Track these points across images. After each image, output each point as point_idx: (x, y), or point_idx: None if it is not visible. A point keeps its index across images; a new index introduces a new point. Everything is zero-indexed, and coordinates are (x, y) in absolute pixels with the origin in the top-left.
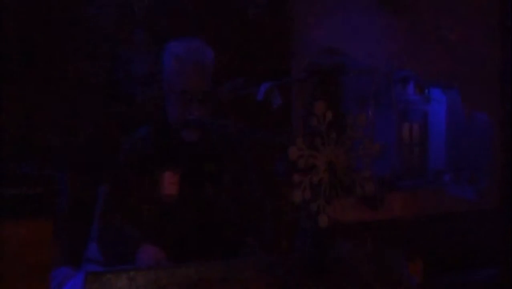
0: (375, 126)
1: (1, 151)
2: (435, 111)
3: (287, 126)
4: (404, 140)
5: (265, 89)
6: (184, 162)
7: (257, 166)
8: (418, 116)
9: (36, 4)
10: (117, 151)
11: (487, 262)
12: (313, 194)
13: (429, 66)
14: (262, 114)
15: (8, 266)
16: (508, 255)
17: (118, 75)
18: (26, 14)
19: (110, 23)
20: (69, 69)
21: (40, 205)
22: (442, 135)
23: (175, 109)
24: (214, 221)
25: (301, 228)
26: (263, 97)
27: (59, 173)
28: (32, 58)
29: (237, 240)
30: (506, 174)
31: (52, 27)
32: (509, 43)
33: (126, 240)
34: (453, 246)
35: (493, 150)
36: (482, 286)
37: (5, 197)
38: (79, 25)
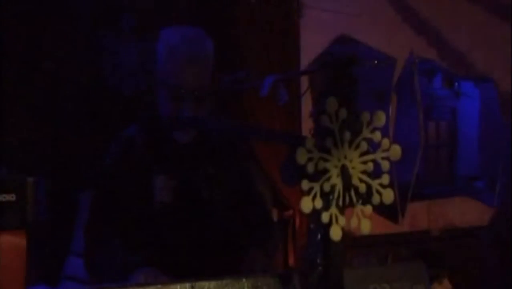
0: (395, 126)
1: None
2: (466, 108)
3: (294, 125)
4: (430, 141)
5: (269, 83)
6: (177, 165)
7: (261, 170)
8: (446, 114)
9: None
10: (102, 153)
11: None
12: (325, 202)
13: (459, 55)
14: (266, 112)
15: None
16: None
17: (102, 66)
18: None
19: (94, 5)
20: (46, 59)
21: (13, 214)
22: (474, 136)
23: (167, 107)
24: (212, 231)
25: (311, 241)
26: (267, 93)
27: (34, 178)
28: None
29: (238, 252)
30: None
31: (27, 9)
32: None
33: (119, 261)
34: (486, 263)
35: None
36: None
37: None
38: (58, 8)
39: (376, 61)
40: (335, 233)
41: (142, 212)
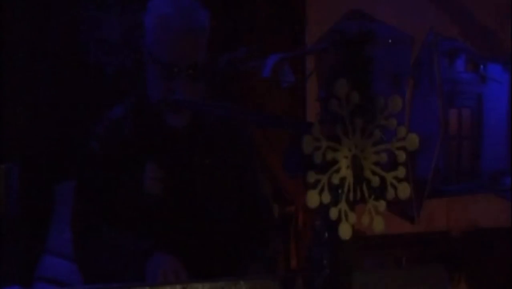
0: (412, 112)
1: None
2: (493, 94)
3: (299, 110)
4: (451, 131)
5: (273, 63)
6: (169, 153)
7: (262, 160)
8: (470, 100)
9: None
10: (83, 138)
11: None
12: (333, 197)
13: (486, 35)
14: (269, 95)
15: None
16: None
17: (84, 39)
18: None
19: None
20: (20, 31)
21: None
22: (502, 126)
23: (157, 86)
24: (206, 228)
25: (317, 241)
26: (270, 73)
27: (7, 165)
28: None
29: (236, 252)
30: None
31: None
32: None
33: (125, 249)
34: None
35: None
36: None
37: None
38: None
39: (391, 40)
40: (344, 232)
41: (129, 205)
